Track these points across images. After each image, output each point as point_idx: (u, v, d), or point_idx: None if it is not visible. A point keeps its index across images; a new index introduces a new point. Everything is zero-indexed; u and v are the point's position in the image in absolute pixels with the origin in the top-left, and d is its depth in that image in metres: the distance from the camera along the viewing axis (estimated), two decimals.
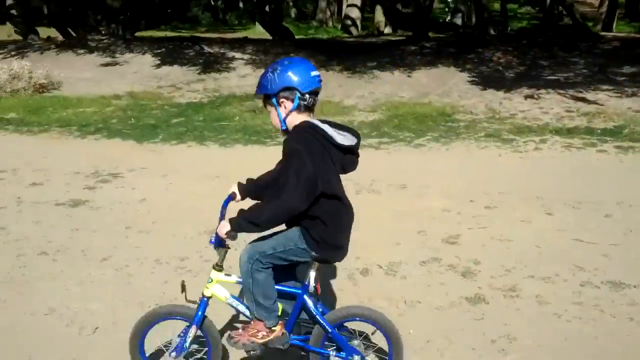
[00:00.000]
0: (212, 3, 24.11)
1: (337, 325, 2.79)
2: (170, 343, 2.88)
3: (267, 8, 18.83)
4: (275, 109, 2.64)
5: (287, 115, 2.62)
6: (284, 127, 2.66)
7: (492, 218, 5.39)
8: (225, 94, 11.51)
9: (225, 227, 2.61)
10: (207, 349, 2.89)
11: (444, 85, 11.40)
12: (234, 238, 2.63)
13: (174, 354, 2.81)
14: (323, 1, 28.36)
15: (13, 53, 15.63)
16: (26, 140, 8.66)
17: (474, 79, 11.82)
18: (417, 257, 4.57)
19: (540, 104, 9.98)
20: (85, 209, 5.79)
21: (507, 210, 5.57)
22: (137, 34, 17.57)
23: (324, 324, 2.75)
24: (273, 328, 2.77)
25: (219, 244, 2.72)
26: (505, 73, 12.29)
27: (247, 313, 2.84)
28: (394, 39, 17.89)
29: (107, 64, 14.17)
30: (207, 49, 15.13)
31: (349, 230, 2.77)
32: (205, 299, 2.81)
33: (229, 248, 2.78)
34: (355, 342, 2.81)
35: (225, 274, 2.84)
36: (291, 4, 31.12)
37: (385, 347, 2.87)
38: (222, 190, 3.10)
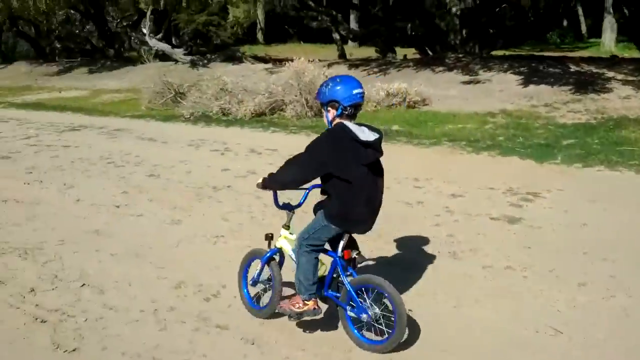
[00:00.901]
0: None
1: (358, 288, 3.54)
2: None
3: None
4: (325, 114, 3.56)
5: (333, 119, 3.51)
6: (329, 127, 3.54)
7: None
8: (614, 116, 10.61)
9: (257, 181, 3.72)
10: (272, 282, 3.96)
11: None
12: (260, 187, 3.70)
13: (251, 282, 4.12)
14: None
15: (375, 70, 17.17)
16: (421, 151, 9.14)
17: None
18: None
19: None
20: (523, 227, 5.70)
21: None
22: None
23: (346, 283, 3.55)
24: (307, 302, 3.63)
25: (283, 207, 3.84)
26: None
27: None
28: None
29: (468, 82, 14.46)
30: (574, 67, 14.34)
31: (365, 209, 3.47)
32: (275, 248, 3.95)
33: (293, 213, 3.90)
34: (377, 308, 3.49)
35: (290, 233, 3.88)
36: None
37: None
38: None
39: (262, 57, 22.74)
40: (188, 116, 13.06)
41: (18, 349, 3.77)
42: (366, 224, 3.56)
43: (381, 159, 3.57)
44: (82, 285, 4.68)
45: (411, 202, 6.56)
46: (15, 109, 16.24)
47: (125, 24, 29.63)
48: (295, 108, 12.30)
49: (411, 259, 5.02)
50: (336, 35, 20.01)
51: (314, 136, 10.54)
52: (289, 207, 3.86)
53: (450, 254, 5.08)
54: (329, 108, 3.49)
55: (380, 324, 3.50)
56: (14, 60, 29.52)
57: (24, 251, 5.48)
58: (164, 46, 23.30)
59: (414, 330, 3.73)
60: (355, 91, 3.43)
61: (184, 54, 22.94)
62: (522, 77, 14.07)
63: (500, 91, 13.27)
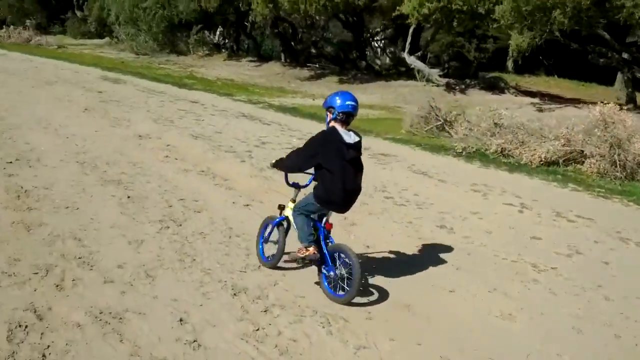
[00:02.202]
0: None
1: (332, 252, 4.69)
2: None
3: None
4: (326, 117, 4.83)
5: (330, 121, 4.71)
6: (326, 127, 4.78)
7: None
8: None
9: (271, 162, 5.00)
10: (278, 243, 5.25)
11: None
12: (271, 167, 4.99)
13: (262, 240, 5.39)
14: None
15: None
16: None
17: None
18: None
19: None
20: None
21: None
22: None
23: (323, 247, 4.72)
24: (308, 248, 4.73)
25: (292, 185, 5.06)
26: None
27: None
28: None
29: None
30: None
31: (342, 194, 4.58)
32: (283, 216, 5.15)
33: (299, 190, 5.08)
34: (343, 270, 4.58)
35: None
36: None
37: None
38: None
39: (529, 90, 20.59)
40: (460, 151, 11.58)
41: None
42: (341, 206, 4.74)
43: None
44: None
45: None
46: (274, 112, 16.25)
47: (367, 35, 29.42)
48: (599, 163, 10.15)
49: None
50: (625, 76, 17.12)
51: (633, 207, 8.34)
52: (296, 186, 5.07)
53: None
54: (327, 112, 4.69)
55: (343, 283, 4.57)
56: (268, 60, 30.91)
57: None
58: (421, 65, 22.28)
59: None
60: (348, 102, 4.61)
61: (440, 76, 21.71)
62: None
63: None
